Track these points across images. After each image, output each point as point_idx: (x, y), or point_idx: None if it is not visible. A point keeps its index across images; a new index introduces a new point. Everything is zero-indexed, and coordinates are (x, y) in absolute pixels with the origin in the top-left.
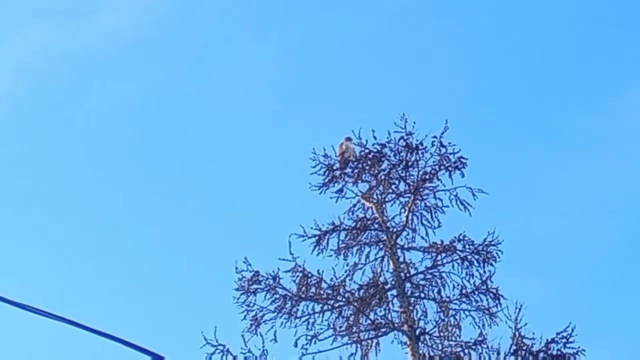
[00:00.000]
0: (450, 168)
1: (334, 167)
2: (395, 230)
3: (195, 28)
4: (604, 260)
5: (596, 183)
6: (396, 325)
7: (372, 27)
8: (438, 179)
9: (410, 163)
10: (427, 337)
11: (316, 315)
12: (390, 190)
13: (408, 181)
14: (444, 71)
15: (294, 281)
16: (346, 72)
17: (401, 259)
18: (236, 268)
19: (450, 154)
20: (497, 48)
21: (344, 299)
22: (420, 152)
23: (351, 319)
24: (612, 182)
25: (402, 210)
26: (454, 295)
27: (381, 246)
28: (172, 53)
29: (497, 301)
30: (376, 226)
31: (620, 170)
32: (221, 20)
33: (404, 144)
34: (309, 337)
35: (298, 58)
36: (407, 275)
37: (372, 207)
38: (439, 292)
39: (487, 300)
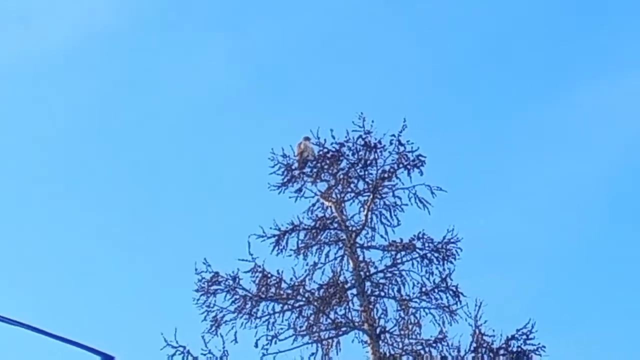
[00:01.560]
0: (409, 166)
1: (293, 167)
2: (354, 229)
3: (147, 29)
4: (562, 257)
5: (552, 180)
6: (356, 324)
7: (328, 26)
8: (397, 178)
9: (368, 162)
10: (387, 335)
11: (276, 315)
12: (349, 189)
13: (367, 180)
14: (401, 69)
15: (254, 281)
16: (303, 72)
17: (361, 258)
18: (196, 269)
19: (409, 152)
20: (454, 45)
21: (304, 299)
22: (378, 150)
23: (311, 318)
24: (568, 178)
25: (361, 209)
26: (413, 293)
27: (341, 245)
28: (124, 54)
29: (457, 299)
30: (335, 225)
31: (576, 166)
32: (173, 22)
33: (363, 142)
34: (269, 338)
35: (253, 58)
36: (367, 274)
37: (331, 206)
38: (399, 290)
39: (447, 298)
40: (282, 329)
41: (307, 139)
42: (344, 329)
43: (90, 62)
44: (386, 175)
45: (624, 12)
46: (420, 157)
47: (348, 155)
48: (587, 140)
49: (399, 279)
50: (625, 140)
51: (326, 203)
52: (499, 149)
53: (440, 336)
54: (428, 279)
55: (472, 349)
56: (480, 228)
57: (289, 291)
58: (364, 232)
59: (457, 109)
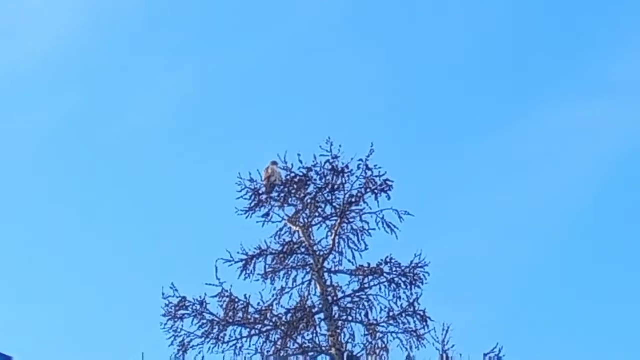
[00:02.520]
0: (376, 191)
1: (260, 192)
2: (322, 253)
3: (110, 54)
4: (530, 280)
5: (521, 203)
6: (324, 349)
7: (293, 52)
8: (364, 202)
9: (336, 186)
10: None
11: (244, 340)
12: (317, 214)
13: (334, 204)
14: (368, 94)
15: (222, 306)
16: (271, 97)
17: (328, 283)
18: (163, 294)
19: (376, 176)
20: (418, 71)
21: (271, 324)
22: (346, 175)
23: (279, 343)
24: (536, 201)
25: (329, 234)
26: (381, 318)
27: (308, 270)
28: (87, 78)
29: (424, 323)
30: (303, 250)
31: (543, 189)
32: (136, 47)
33: (330, 167)
34: None
35: (219, 83)
36: (335, 298)
37: (298, 231)
38: (366, 315)
39: (414, 322)
40: (249, 353)
41: (274, 163)
42: (311, 353)
43: (48, 88)
44: (354, 199)
45: (583, 38)
46: (387, 182)
47: (316, 179)
48: (554, 162)
49: (366, 304)
50: (591, 162)
51: (294, 228)
52: (466, 173)
53: None
54: (396, 303)
55: None
56: (448, 251)
57: (257, 316)
58: (331, 256)
59: (425, 133)
